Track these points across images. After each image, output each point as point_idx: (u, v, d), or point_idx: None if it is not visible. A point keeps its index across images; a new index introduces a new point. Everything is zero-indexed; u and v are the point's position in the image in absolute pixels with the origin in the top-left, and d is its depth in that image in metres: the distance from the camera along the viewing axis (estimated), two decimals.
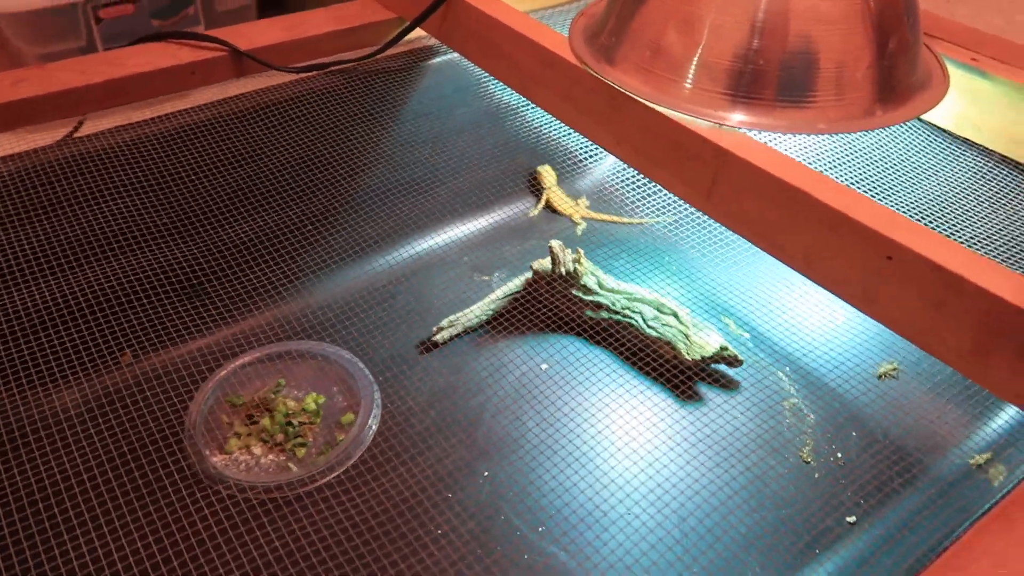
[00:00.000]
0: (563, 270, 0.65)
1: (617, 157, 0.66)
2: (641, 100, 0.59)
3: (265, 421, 0.59)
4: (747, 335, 0.69)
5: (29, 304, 0.63)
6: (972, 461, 0.59)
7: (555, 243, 0.65)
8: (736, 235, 0.76)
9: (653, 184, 0.84)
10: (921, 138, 0.76)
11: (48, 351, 0.60)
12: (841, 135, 0.76)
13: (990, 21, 1.18)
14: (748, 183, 0.55)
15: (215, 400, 0.61)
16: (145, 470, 0.55)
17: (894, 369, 0.66)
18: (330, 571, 0.50)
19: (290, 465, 0.57)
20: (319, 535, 0.52)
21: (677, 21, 0.57)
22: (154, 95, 0.78)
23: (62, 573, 0.48)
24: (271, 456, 0.57)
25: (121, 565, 0.49)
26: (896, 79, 0.57)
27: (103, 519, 0.51)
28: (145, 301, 0.65)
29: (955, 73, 0.68)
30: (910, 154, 0.73)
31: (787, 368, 0.67)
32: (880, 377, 0.66)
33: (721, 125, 0.56)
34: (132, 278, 0.66)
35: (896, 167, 0.76)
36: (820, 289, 0.69)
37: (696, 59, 0.57)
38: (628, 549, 0.53)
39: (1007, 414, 0.63)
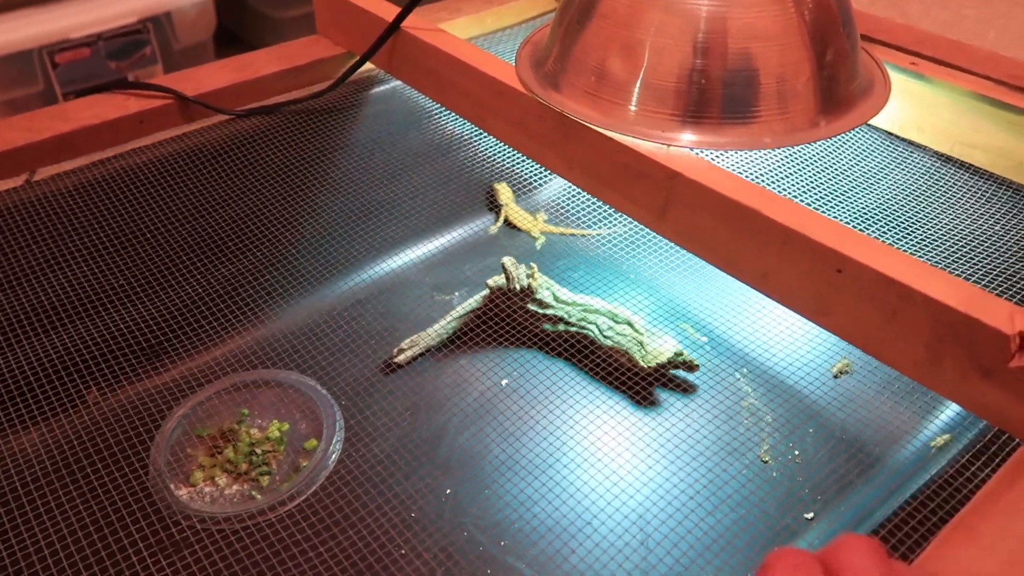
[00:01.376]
0: (517, 286, 0.66)
1: (569, 181, 0.67)
2: (589, 125, 0.60)
3: (228, 451, 0.59)
4: (705, 339, 0.71)
5: None
6: (933, 444, 0.60)
7: (507, 260, 0.66)
8: None
9: None
10: (867, 143, 0.78)
11: (11, 408, 0.60)
12: (789, 148, 0.78)
13: (937, 16, 1.20)
14: (700, 203, 0.57)
15: (180, 433, 0.62)
16: (110, 508, 0.55)
17: (847, 365, 0.67)
18: None
19: (254, 494, 0.57)
20: (283, 564, 0.53)
21: (618, 45, 0.59)
22: (103, 147, 0.79)
23: None
24: (236, 486, 0.58)
25: None
26: (837, 89, 0.59)
27: (70, 560, 0.52)
28: (101, 359, 0.65)
29: (896, 78, 0.70)
30: (858, 160, 0.75)
31: (744, 370, 0.68)
32: (836, 376, 0.67)
33: (668, 146, 0.57)
34: (87, 341, 0.66)
35: (845, 173, 0.78)
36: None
37: (639, 82, 0.58)
38: (590, 562, 0.53)
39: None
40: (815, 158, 0.77)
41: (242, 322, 0.70)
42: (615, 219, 0.83)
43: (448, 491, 0.58)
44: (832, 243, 0.53)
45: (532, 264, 0.67)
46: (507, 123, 0.70)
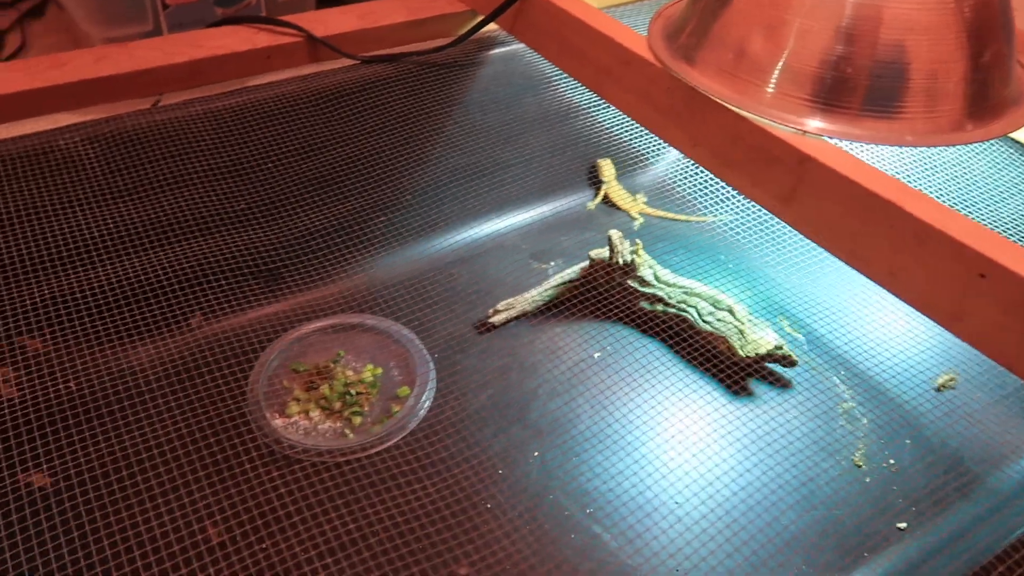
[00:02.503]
0: (620, 260, 0.65)
1: (692, 159, 0.65)
2: (722, 103, 0.58)
3: (324, 388, 0.61)
4: (801, 336, 0.69)
5: (113, 276, 0.66)
6: None
7: (614, 232, 0.65)
8: (793, 237, 0.76)
9: (710, 183, 0.84)
10: (1003, 155, 0.74)
11: (128, 317, 0.62)
12: (922, 149, 0.75)
13: None
14: (831, 191, 0.54)
15: (277, 366, 0.63)
16: (207, 430, 0.57)
17: (952, 380, 0.65)
18: (378, 534, 0.51)
19: (347, 432, 0.58)
20: (370, 500, 0.54)
21: (763, 25, 0.57)
22: (230, 77, 0.81)
23: (123, 517, 0.50)
24: (328, 422, 0.59)
25: (180, 514, 0.51)
26: (989, 93, 0.56)
27: (172, 481, 0.54)
28: (220, 277, 0.67)
29: None
30: (992, 172, 0.72)
31: (842, 372, 0.66)
32: (938, 389, 0.65)
33: (804, 132, 0.55)
34: (207, 258, 0.68)
35: (978, 184, 0.75)
36: (877, 295, 0.68)
37: (781, 64, 0.56)
38: (673, 538, 0.53)
39: None
40: (946, 165, 0.74)
41: (344, 265, 0.71)
42: (715, 207, 0.82)
43: (536, 454, 0.58)
44: (977, 246, 0.50)
45: (637, 241, 0.67)
46: (631, 93, 0.69)
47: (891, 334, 0.69)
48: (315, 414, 0.60)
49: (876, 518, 0.56)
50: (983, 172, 0.72)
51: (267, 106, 0.79)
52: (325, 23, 0.85)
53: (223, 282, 0.66)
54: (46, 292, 0.62)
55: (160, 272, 0.66)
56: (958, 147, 0.75)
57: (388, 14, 0.89)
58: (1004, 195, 0.70)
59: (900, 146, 0.56)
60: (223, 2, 0.90)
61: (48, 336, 0.60)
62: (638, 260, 0.66)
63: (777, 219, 0.80)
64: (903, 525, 0.55)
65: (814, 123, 0.55)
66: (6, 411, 0.53)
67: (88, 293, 0.63)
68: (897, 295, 0.54)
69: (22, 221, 0.64)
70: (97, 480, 0.52)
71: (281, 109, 0.78)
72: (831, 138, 0.55)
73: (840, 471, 0.59)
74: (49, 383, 0.56)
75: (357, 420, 0.59)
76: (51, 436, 0.53)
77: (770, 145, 0.56)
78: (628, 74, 0.67)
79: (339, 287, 0.70)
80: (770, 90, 0.57)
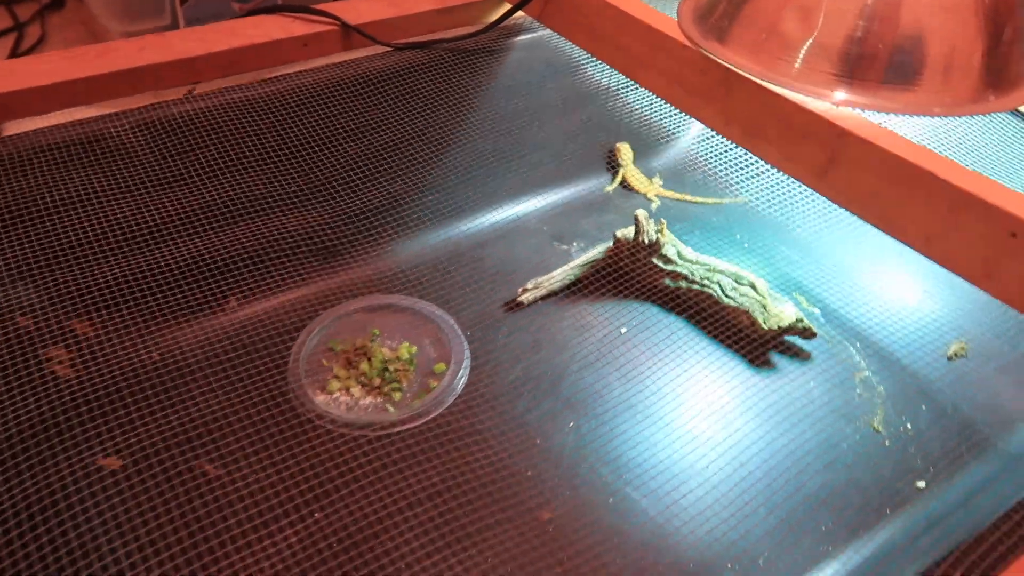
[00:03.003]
0: (646, 239, 0.68)
1: (725, 137, 0.67)
2: (754, 79, 0.61)
3: (364, 365, 0.63)
4: (818, 311, 0.72)
5: (152, 264, 0.67)
6: None
7: (641, 212, 0.68)
8: (805, 216, 0.78)
9: (723, 167, 0.87)
10: (1014, 128, 0.77)
11: (172, 300, 0.64)
12: (935, 124, 0.78)
13: None
14: (868, 163, 0.57)
15: (315, 345, 0.65)
16: (253, 408, 0.59)
17: (963, 348, 0.68)
18: (425, 501, 0.54)
19: (388, 407, 0.60)
20: (413, 472, 0.56)
21: (791, 4, 0.59)
22: (268, 65, 0.82)
23: (182, 490, 0.53)
24: (369, 398, 0.61)
25: (232, 486, 0.53)
26: (1008, 67, 0.59)
27: (221, 459, 0.56)
28: (257, 259, 0.69)
29: None
30: (1004, 144, 0.75)
31: (857, 343, 0.69)
32: (950, 358, 0.68)
33: (836, 104, 0.58)
34: (241, 243, 0.70)
35: (991, 157, 0.77)
36: (889, 271, 0.71)
37: (809, 39, 0.59)
38: (709, 503, 0.56)
39: None
40: (960, 139, 0.76)
41: (374, 247, 0.73)
42: (729, 189, 0.84)
43: (571, 424, 0.60)
44: (1009, 206, 0.52)
45: (662, 220, 0.69)
46: (663, 76, 0.71)
47: (903, 307, 0.72)
48: (356, 390, 0.62)
49: (896, 478, 0.58)
50: (995, 144, 0.75)
51: (303, 93, 0.81)
52: (358, 11, 0.87)
53: (260, 265, 0.68)
54: (98, 276, 0.64)
55: (191, 259, 0.68)
56: (971, 122, 0.77)
57: (418, 2, 0.90)
58: (1018, 166, 0.73)
59: (927, 116, 0.58)
60: None
61: (96, 319, 0.62)
62: (663, 239, 0.68)
63: (785, 200, 0.83)
64: (922, 484, 0.58)
65: (839, 95, 0.57)
66: (65, 393, 0.55)
67: (132, 278, 0.65)
68: (932, 258, 0.56)
69: (76, 207, 0.66)
70: (152, 459, 0.54)
71: (316, 96, 0.80)
72: (859, 110, 0.57)
73: (860, 436, 0.61)
74: (103, 364, 0.58)
75: (397, 395, 0.61)
76: (111, 416, 0.55)
77: (804, 120, 0.59)
78: (661, 57, 0.69)
79: (370, 269, 0.72)
80: (797, 65, 0.60)
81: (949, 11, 0.54)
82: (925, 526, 0.55)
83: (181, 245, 0.68)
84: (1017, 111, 0.78)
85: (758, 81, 0.61)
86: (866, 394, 0.65)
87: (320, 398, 0.61)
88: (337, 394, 0.61)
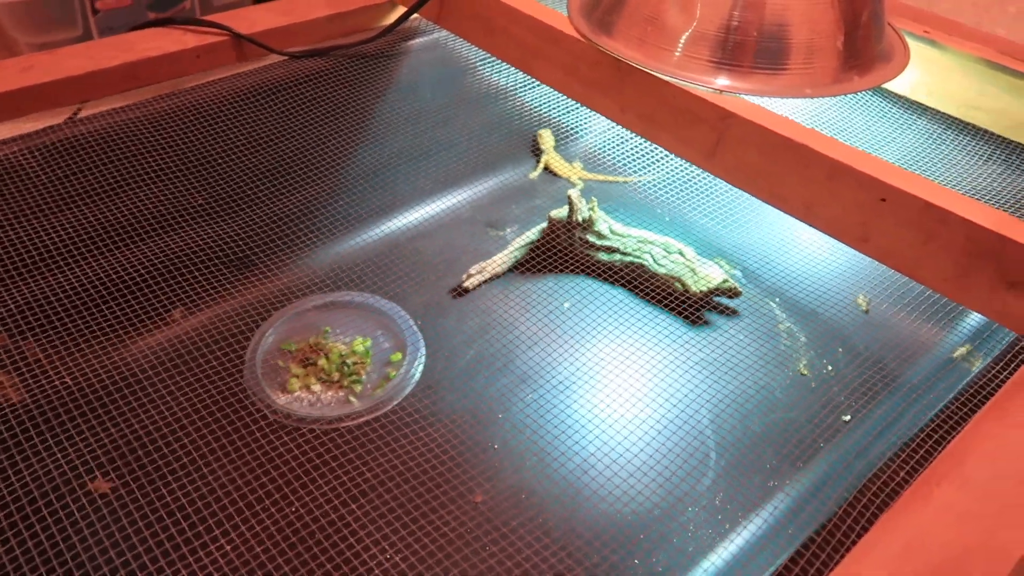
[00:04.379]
0: (579, 217, 0.71)
1: (621, 125, 0.72)
2: (645, 70, 0.66)
3: (322, 361, 0.64)
4: (738, 272, 0.77)
5: (74, 281, 0.66)
6: (955, 354, 0.69)
7: (573, 192, 0.71)
8: (719, 187, 0.85)
9: (637, 148, 0.92)
10: (878, 107, 0.85)
11: (110, 315, 0.63)
12: (803, 105, 0.85)
13: (969, 18, 1.29)
14: (750, 141, 0.63)
15: (268, 348, 0.65)
16: (215, 414, 0.59)
17: (867, 302, 0.75)
18: (408, 482, 0.55)
19: (351, 399, 0.62)
20: (388, 458, 0.57)
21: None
22: (161, 79, 0.81)
23: (162, 515, 0.52)
24: (331, 393, 0.62)
25: (215, 503, 0.53)
26: (866, 49, 0.66)
27: (193, 464, 0.56)
28: (193, 269, 0.68)
29: (910, 44, 0.78)
30: (869, 123, 0.83)
31: (776, 299, 0.75)
32: (863, 309, 0.75)
33: (720, 91, 0.63)
34: (177, 253, 0.69)
35: (859, 136, 0.85)
36: (795, 233, 0.78)
37: (688, 30, 0.64)
38: (663, 451, 0.60)
39: (977, 318, 0.72)
40: (830, 121, 0.84)
41: (310, 248, 0.74)
42: (646, 168, 0.89)
43: (528, 396, 0.63)
44: (878, 174, 0.59)
45: (593, 198, 0.73)
46: (558, 69, 0.75)
47: (811, 265, 0.79)
48: (316, 387, 0.63)
49: (825, 415, 0.64)
50: (861, 124, 0.83)
51: (204, 106, 0.80)
52: (250, 20, 0.87)
53: (197, 275, 0.68)
54: (20, 297, 0.62)
55: (132, 271, 0.67)
56: (840, 103, 0.85)
57: (310, 9, 0.91)
58: (881, 143, 0.81)
59: (799, 97, 0.65)
60: (156, 6, 0.90)
61: (39, 339, 0.60)
62: (594, 216, 0.72)
63: (700, 174, 0.89)
64: (847, 418, 0.64)
65: (720, 80, 0.63)
66: (9, 414, 0.54)
67: (63, 295, 0.63)
68: (813, 225, 0.63)
69: None
70: (111, 470, 0.54)
71: (219, 108, 0.80)
72: (736, 94, 0.63)
73: (789, 380, 0.67)
74: (46, 383, 0.57)
75: (358, 387, 0.63)
76: (62, 433, 0.54)
77: (693, 106, 0.64)
78: (555, 52, 0.73)
79: (310, 270, 0.73)
80: (678, 54, 0.65)
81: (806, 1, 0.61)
82: (856, 453, 0.61)
83: (94, 263, 0.67)
84: (879, 90, 0.87)
85: (647, 71, 0.66)
86: (790, 343, 0.71)
87: (282, 399, 0.62)
88: (298, 392, 0.62)
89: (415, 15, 0.90)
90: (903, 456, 0.60)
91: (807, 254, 0.80)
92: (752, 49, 0.63)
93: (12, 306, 0.62)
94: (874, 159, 0.61)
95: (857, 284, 0.77)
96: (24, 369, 0.58)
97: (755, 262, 0.79)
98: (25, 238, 0.66)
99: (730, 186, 0.86)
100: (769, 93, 0.65)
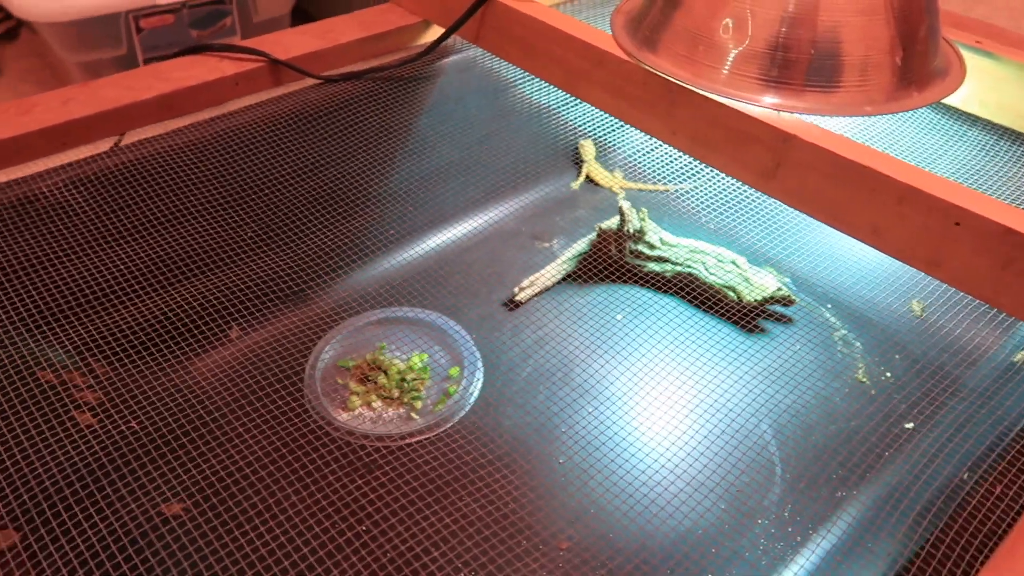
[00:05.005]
0: (631, 228, 0.71)
1: (672, 145, 0.72)
2: (693, 89, 0.65)
3: (382, 378, 0.63)
4: (788, 279, 0.77)
5: (128, 318, 0.66)
6: (1016, 358, 0.68)
7: (624, 203, 0.71)
8: (763, 196, 0.84)
9: (677, 156, 0.91)
10: (928, 119, 0.84)
11: (166, 349, 0.63)
12: (858, 119, 0.84)
13: (1006, 22, 1.28)
14: (813, 163, 0.61)
15: (325, 367, 0.65)
16: (278, 432, 0.59)
17: (921, 307, 0.74)
18: (473, 495, 0.55)
19: (413, 416, 0.61)
20: (454, 473, 0.57)
21: (718, 13, 0.64)
22: (200, 107, 0.81)
23: (231, 528, 0.52)
24: (392, 410, 0.62)
25: (284, 518, 0.53)
26: (922, 64, 0.65)
27: (261, 482, 0.55)
28: (247, 302, 0.68)
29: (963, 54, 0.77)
30: (920, 136, 0.82)
31: (829, 306, 0.75)
32: (919, 315, 0.74)
33: (779, 111, 0.62)
34: (229, 287, 0.69)
35: (910, 149, 0.84)
36: (846, 238, 0.77)
37: (736, 47, 0.63)
38: (728, 464, 0.59)
39: None
40: (880, 135, 0.83)
41: (363, 266, 0.74)
42: (688, 176, 0.89)
43: (590, 409, 0.63)
44: (951, 198, 0.57)
45: (643, 208, 0.73)
46: (603, 90, 0.74)
47: (861, 270, 0.78)
48: (377, 404, 0.62)
49: (887, 423, 0.64)
50: (911, 137, 0.82)
51: (244, 132, 0.80)
52: (286, 46, 0.87)
53: (250, 305, 0.68)
54: (85, 332, 0.62)
55: (187, 304, 0.67)
56: (884, 117, 0.85)
57: (345, 32, 0.91)
58: (935, 155, 0.81)
59: (858, 116, 0.65)
60: (199, 24, 0.90)
61: (104, 367, 0.60)
62: (645, 227, 0.72)
63: (743, 185, 0.88)
64: (910, 425, 0.64)
65: (767, 99, 0.62)
66: (91, 439, 0.54)
67: (117, 331, 0.63)
68: (880, 249, 0.61)
69: (27, 271, 0.64)
70: (203, 497, 0.54)
71: (259, 134, 0.80)
72: (792, 113, 0.62)
73: (848, 388, 0.67)
74: (123, 407, 0.57)
75: (419, 404, 0.62)
76: (134, 461, 0.54)
77: (749, 126, 0.63)
78: (601, 73, 0.73)
79: (362, 286, 0.72)
80: (726, 71, 0.65)
81: (863, 14, 0.60)
82: (923, 463, 0.61)
83: (155, 297, 0.67)
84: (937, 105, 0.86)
85: (698, 91, 0.65)
86: (846, 350, 0.70)
87: (343, 416, 0.61)
88: (359, 410, 0.62)
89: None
90: (978, 465, 0.60)
91: (857, 260, 0.80)
92: (805, 66, 0.62)
93: (78, 340, 0.62)
94: (946, 182, 0.59)
95: (910, 289, 0.76)
96: (99, 392, 0.58)
97: (804, 269, 0.78)
98: (76, 276, 0.66)
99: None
100: (827, 112, 0.64)
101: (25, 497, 0.50)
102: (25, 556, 0.46)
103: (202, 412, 0.60)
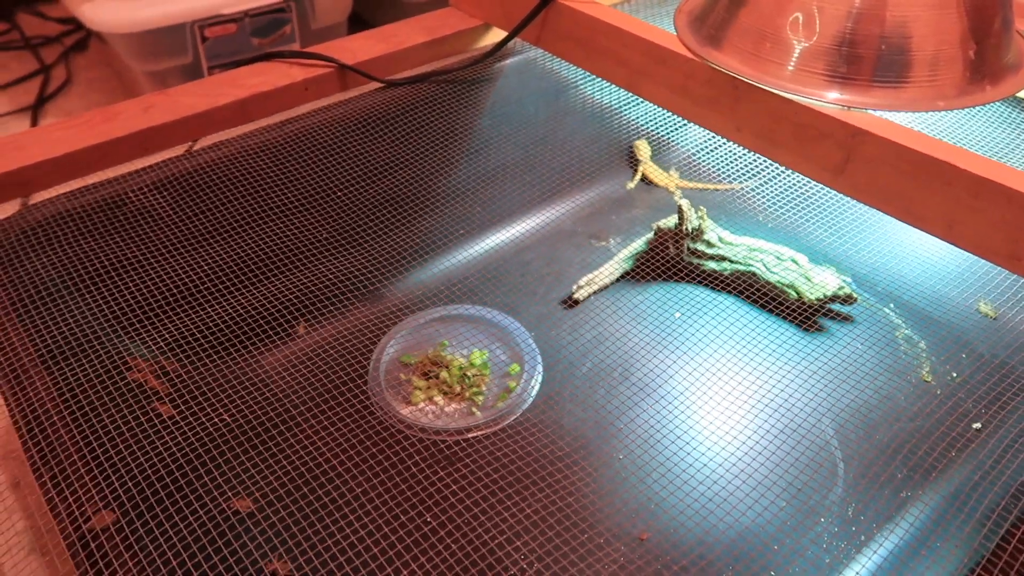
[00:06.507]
0: (689, 226, 0.71)
1: (737, 143, 0.72)
2: (759, 85, 0.65)
3: (444, 374, 0.65)
4: (849, 278, 0.76)
5: (206, 318, 0.69)
6: None
7: (684, 201, 0.71)
8: (821, 192, 0.83)
9: (733, 154, 0.91)
10: (997, 112, 0.83)
11: (243, 337, 0.66)
12: (924, 115, 0.83)
13: None
14: (884, 158, 0.61)
15: (388, 361, 0.67)
16: (348, 424, 0.61)
17: (993, 311, 0.72)
18: (534, 492, 0.56)
19: (474, 411, 0.63)
20: (514, 467, 0.59)
21: (784, 8, 0.64)
22: (272, 112, 0.84)
23: (297, 518, 0.54)
24: (454, 404, 0.64)
25: (349, 511, 0.55)
26: (995, 58, 0.64)
27: (326, 476, 0.58)
28: (317, 303, 0.71)
29: None
30: (989, 131, 0.81)
31: (891, 304, 0.74)
32: (984, 315, 0.72)
33: (848, 108, 0.62)
34: (303, 288, 0.72)
35: (979, 143, 0.83)
36: (908, 235, 0.75)
37: (802, 43, 0.63)
38: (787, 464, 0.59)
39: None
40: (948, 129, 0.82)
41: (424, 264, 0.75)
42: (744, 175, 0.89)
43: (648, 406, 0.63)
44: None
45: (702, 207, 0.73)
46: (668, 89, 0.75)
47: (924, 267, 0.77)
48: (439, 399, 0.64)
49: (954, 423, 0.63)
50: (979, 131, 0.81)
51: (314, 135, 0.83)
52: (351, 51, 0.89)
53: (320, 304, 0.70)
54: (163, 333, 0.65)
55: (263, 305, 0.70)
56: (955, 115, 0.83)
57: (407, 36, 0.93)
58: (1008, 148, 0.79)
59: (932, 111, 0.63)
60: (260, 32, 0.93)
61: (178, 364, 0.63)
62: (704, 225, 0.72)
63: (801, 179, 0.87)
64: (978, 426, 0.63)
65: (832, 95, 0.62)
66: (173, 429, 0.57)
67: (196, 330, 0.66)
68: (955, 244, 0.60)
69: (111, 274, 0.67)
70: (274, 496, 0.56)
71: (328, 137, 0.82)
72: (861, 108, 0.62)
73: (912, 387, 0.66)
74: (196, 401, 0.60)
75: (480, 399, 0.64)
76: (231, 456, 0.57)
77: (816, 122, 0.63)
78: (664, 71, 0.73)
79: (423, 284, 0.74)
80: (791, 68, 0.64)
81: (934, 8, 0.59)
82: (990, 464, 0.59)
83: (230, 299, 0.70)
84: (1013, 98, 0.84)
85: (761, 86, 0.65)
86: (910, 349, 0.69)
87: (406, 410, 0.63)
88: (422, 404, 0.64)
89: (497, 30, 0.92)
90: None
91: (919, 258, 0.78)
92: (874, 62, 0.62)
93: (160, 340, 0.65)
94: (1022, 174, 0.58)
95: (975, 286, 0.75)
96: (173, 386, 0.61)
97: (865, 268, 0.78)
98: (157, 278, 0.69)
99: (832, 193, 0.85)
100: (897, 107, 0.63)
101: (116, 483, 0.53)
102: (119, 537, 0.49)
103: (269, 409, 0.62)
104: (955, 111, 0.83)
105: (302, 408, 0.63)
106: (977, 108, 0.82)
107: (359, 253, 0.74)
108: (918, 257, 0.79)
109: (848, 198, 0.84)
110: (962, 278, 0.76)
